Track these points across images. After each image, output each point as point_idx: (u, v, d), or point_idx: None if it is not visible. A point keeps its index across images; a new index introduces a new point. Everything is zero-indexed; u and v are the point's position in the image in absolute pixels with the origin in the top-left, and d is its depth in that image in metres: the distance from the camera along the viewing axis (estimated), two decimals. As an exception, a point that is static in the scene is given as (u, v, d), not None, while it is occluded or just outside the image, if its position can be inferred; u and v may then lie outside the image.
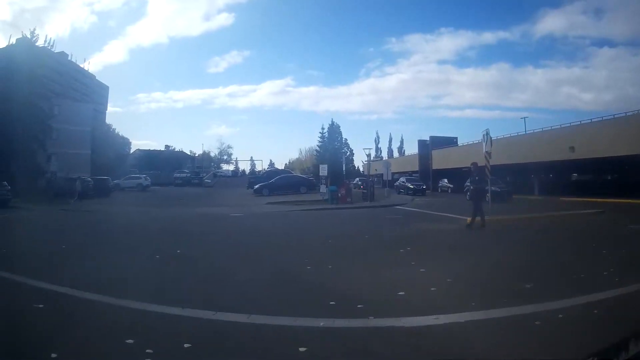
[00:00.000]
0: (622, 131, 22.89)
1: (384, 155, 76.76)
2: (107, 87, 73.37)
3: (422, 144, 49.66)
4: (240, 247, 8.78)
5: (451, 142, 48.09)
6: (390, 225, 12.67)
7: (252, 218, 15.75)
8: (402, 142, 74.78)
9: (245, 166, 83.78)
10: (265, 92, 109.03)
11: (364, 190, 24.18)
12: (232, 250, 8.40)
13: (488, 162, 14.41)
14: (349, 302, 4.37)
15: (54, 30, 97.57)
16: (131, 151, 64.27)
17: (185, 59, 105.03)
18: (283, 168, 60.56)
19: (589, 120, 27.63)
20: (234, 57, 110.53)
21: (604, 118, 26.81)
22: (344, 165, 40.66)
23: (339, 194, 21.55)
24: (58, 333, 3.55)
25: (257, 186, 30.47)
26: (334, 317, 3.89)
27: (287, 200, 22.89)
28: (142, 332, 3.54)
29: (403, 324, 3.73)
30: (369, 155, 31.98)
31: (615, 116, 25.51)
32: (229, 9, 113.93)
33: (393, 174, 35.36)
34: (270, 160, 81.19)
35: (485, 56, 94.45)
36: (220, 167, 74.79)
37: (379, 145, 76.65)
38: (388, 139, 77.92)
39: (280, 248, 8.56)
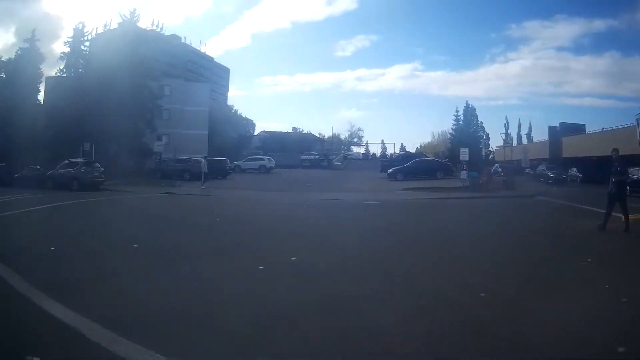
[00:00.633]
0: None
1: (514, 141, 71.23)
2: (228, 69, 77.19)
3: (552, 130, 47.03)
4: (384, 263, 5.99)
5: (580, 129, 45.59)
6: (553, 223, 10.69)
7: (391, 208, 14.11)
8: (530, 128, 69.47)
9: (376, 149, 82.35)
10: (394, 76, 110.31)
11: (504, 178, 22.43)
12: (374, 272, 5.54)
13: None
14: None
15: (167, 18, 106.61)
16: (255, 133, 64.98)
17: (310, 43, 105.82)
18: (415, 152, 57.10)
19: None
20: (361, 40, 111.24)
21: None
22: (482, 150, 37.66)
23: (480, 181, 19.89)
24: None
25: (391, 170, 28.41)
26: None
27: (424, 187, 21.03)
28: None
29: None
30: (506, 139, 29.42)
31: None
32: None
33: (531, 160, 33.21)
34: (402, 144, 78.22)
35: (598, 44, 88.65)
36: (350, 150, 74.34)
37: (509, 131, 71.64)
38: (517, 125, 72.52)
39: (437, 259, 6.21)
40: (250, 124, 61.44)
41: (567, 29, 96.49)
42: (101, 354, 2.88)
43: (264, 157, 39.46)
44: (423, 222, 11.06)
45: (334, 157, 51.97)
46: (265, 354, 2.98)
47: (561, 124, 47.55)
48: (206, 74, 72.35)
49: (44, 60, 34.77)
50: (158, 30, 40.76)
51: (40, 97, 35.71)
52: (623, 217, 8.64)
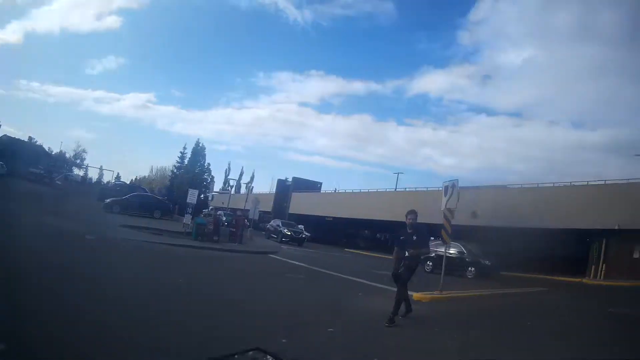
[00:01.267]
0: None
1: (233, 189, 74.34)
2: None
3: (281, 183, 46.02)
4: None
5: (315, 186, 45.35)
6: (306, 289, 9.89)
7: (111, 248, 11.30)
8: (252, 178, 67.91)
9: (94, 174, 78.27)
10: (128, 104, 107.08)
11: (233, 229, 19.70)
12: None
13: (448, 221, 11.11)
14: None
15: None
16: (-1, 135, 54.78)
17: (71, 55, 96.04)
18: (129, 183, 55.72)
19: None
20: (111, 62, 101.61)
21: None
22: (209, 194, 37.45)
23: (206, 230, 17.34)
24: None
25: (108, 200, 25.52)
26: None
27: (143, 226, 17.71)
28: None
29: None
30: (225, 186, 28.37)
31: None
32: (120, 12, 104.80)
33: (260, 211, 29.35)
34: (118, 173, 76.63)
35: (350, 105, 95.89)
36: (72, 170, 68.55)
37: (228, 177, 70.49)
38: (240, 173, 70.88)
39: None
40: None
41: (318, 86, 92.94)
42: None
43: None
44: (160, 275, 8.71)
45: (57, 175, 49.00)
46: None
47: (295, 178, 45.22)
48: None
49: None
50: None
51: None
52: (397, 300, 6.44)
